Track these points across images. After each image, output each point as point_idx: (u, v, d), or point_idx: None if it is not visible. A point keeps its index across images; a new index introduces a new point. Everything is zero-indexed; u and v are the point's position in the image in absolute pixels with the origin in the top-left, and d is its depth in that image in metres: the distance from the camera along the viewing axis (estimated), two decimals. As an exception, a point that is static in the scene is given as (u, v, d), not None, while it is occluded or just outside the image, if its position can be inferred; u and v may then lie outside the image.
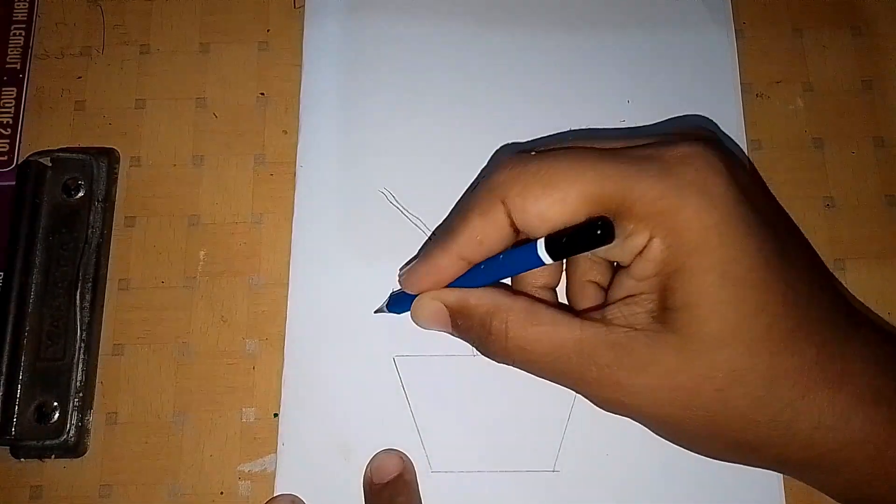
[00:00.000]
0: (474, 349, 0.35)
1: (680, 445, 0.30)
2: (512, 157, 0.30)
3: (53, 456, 0.35)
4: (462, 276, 0.31)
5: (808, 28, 0.40)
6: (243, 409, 0.36)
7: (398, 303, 0.34)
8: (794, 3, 0.40)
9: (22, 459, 0.35)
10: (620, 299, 0.29)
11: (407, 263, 0.35)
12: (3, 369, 0.35)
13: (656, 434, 0.30)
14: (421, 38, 0.40)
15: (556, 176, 0.28)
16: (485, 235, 0.30)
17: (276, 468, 0.35)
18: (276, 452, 0.35)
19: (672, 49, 0.39)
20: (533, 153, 0.30)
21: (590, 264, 0.32)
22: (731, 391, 0.27)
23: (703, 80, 0.39)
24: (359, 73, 0.39)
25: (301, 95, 0.39)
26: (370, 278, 0.36)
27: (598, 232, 0.27)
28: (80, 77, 0.40)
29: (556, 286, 0.33)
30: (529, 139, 0.38)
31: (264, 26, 0.41)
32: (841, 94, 0.39)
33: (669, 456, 0.34)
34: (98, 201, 0.37)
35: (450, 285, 0.31)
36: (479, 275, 0.31)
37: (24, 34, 0.40)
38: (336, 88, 0.39)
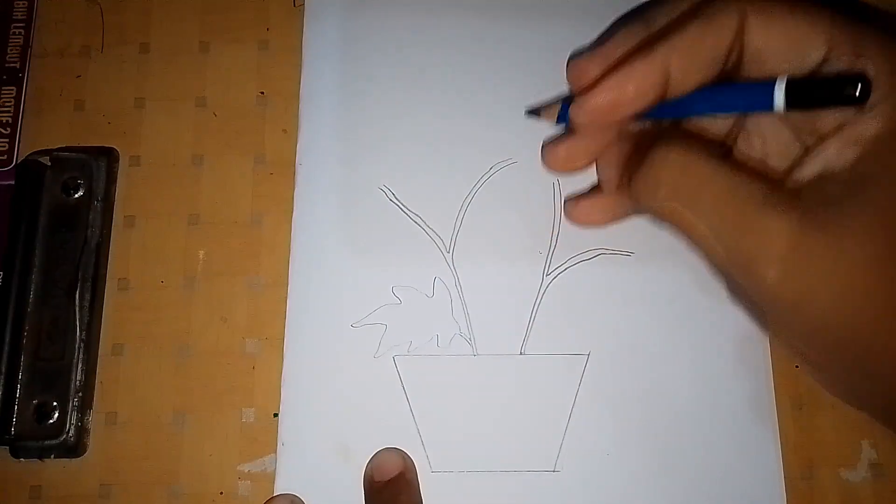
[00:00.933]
0: (475, 349, 0.35)
1: (820, 355, 0.27)
2: None
3: (53, 456, 0.35)
4: (672, 102, 0.27)
5: None
6: (243, 409, 0.36)
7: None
8: None
9: (21, 459, 0.35)
10: (810, 179, 0.26)
11: (579, 52, 0.30)
12: (3, 369, 0.35)
13: (802, 336, 0.27)
14: (421, 36, 0.40)
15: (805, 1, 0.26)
16: (703, 49, 0.26)
17: (275, 468, 0.35)
18: (275, 452, 0.35)
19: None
20: None
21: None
22: None
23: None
24: (359, 71, 0.39)
25: (301, 94, 0.39)
26: (370, 277, 0.36)
27: (857, 89, 0.24)
28: (79, 76, 0.40)
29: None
30: (531, 137, 0.38)
31: (264, 25, 0.40)
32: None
33: (670, 456, 0.34)
34: (97, 201, 0.37)
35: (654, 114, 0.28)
36: (679, 106, 0.27)
37: (23, 33, 0.40)
38: (336, 87, 0.39)
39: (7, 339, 0.35)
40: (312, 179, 0.38)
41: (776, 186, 0.26)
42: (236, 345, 0.36)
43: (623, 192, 0.30)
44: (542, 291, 0.36)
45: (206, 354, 0.36)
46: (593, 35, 0.39)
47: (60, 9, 0.41)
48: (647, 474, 0.34)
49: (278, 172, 0.38)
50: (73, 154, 0.38)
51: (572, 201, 0.35)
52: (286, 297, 0.36)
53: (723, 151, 0.29)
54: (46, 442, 0.35)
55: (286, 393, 0.35)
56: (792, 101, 0.25)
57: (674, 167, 0.26)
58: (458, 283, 0.36)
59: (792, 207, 0.25)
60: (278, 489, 0.34)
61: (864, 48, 0.26)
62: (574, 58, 0.29)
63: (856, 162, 0.26)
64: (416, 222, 0.37)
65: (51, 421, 0.35)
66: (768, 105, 0.25)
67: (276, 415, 0.35)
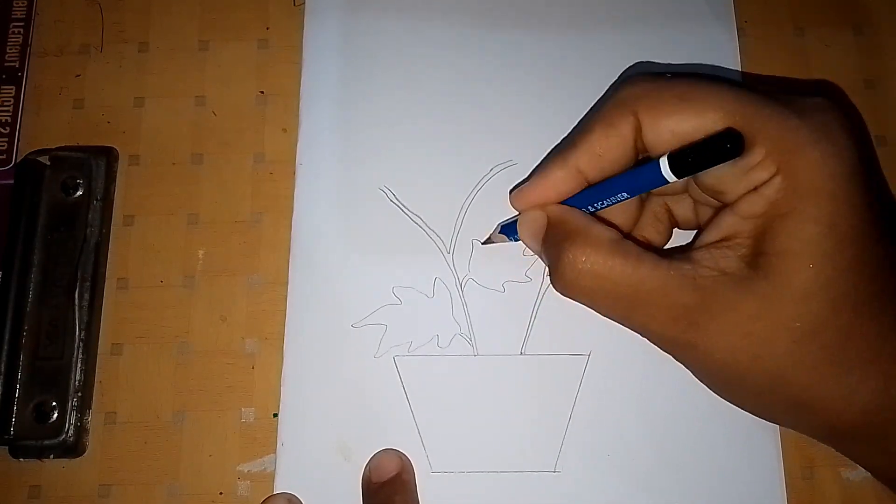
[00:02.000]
0: (475, 349, 0.35)
1: (734, 401, 0.31)
2: (643, 75, 0.30)
3: (52, 456, 0.35)
4: (574, 197, 0.31)
5: (809, 27, 0.40)
6: (243, 409, 0.36)
7: (508, 229, 0.34)
8: (796, 2, 0.40)
9: (20, 459, 0.35)
10: (712, 243, 0.29)
11: (518, 184, 0.34)
12: (2, 369, 0.35)
13: (713, 388, 0.31)
14: (421, 35, 0.39)
15: (693, 92, 0.28)
16: (606, 148, 0.29)
17: (275, 468, 0.34)
18: (275, 452, 0.35)
19: (675, 48, 0.39)
20: (668, 75, 0.30)
21: (660, 208, 0.33)
22: (807, 344, 0.27)
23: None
24: (359, 71, 0.39)
25: (301, 93, 0.39)
26: (371, 277, 0.36)
27: (728, 144, 0.26)
28: (78, 75, 0.40)
29: (630, 230, 0.33)
30: (531, 138, 0.38)
31: (264, 24, 0.40)
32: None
33: (670, 457, 0.34)
34: (97, 200, 0.37)
35: (569, 202, 0.31)
36: (593, 195, 0.30)
37: (22, 32, 0.40)
38: (336, 87, 0.39)
39: (6, 339, 0.35)
40: (313, 179, 0.38)
41: (674, 264, 0.28)
42: (236, 344, 0.36)
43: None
44: (542, 292, 0.36)
45: (205, 354, 0.36)
46: (591, 38, 0.39)
47: (60, 8, 0.41)
48: (648, 475, 0.34)
49: (278, 171, 0.38)
50: (73, 153, 0.38)
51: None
52: (286, 297, 0.36)
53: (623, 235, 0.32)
54: (46, 442, 0.35)
55: (286, 393, 0.35)
56: (680, 168, 0.27)
57: (584, 277, 0.29)
58: (458, 284, 0.36)
59: (687, 287, 0.28)
60: (278, 489, 0.34)
61: (755, 130, 0.27)
62: (514, 189, 0.33)
63: (750, 235, 0.28)
64: (416, 223, 0.37)
65: (50, 421, 0.35)
66: (662, 179, 0.28)
67: (275, 415, 0.35)
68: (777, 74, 0.39)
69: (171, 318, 0.37)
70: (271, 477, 0.34)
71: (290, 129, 0.39)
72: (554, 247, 0.30)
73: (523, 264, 0.36)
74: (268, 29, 0.40)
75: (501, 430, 0.35)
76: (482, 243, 0.36)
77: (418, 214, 0.37)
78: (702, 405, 0.35)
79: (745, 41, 0.39)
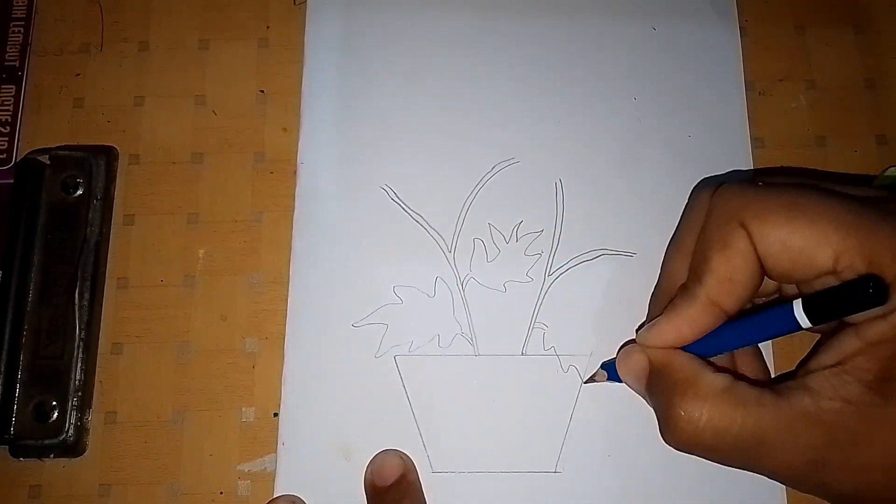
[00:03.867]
0: (476, 349, 0.35)
1: None
2: (735, 183, 0.28)
3: (52, 455, 0.35)
4: (704, 339, 0.29)
5: (810, 25, 0.40)
6: (243, 409, 0.36)
7: (611, 368, 0.33)
8: (797, 1, 0.40)
9: (21, 459, 0.35)
10: (828, 366, 0.27)
11: (643, 324, 0.32)
12: (2, 368, 0.35)
13: None
14: (422, 34, 0.39)
15: (801, 200, 0.26)
16: (733, 270, 0.27)
17: (275, 468, 0.34)
18: (275, 452, 0.35)
19: (677, 45, 0.39)
20: (759, 183, 0.28)
21: None
22: None
23: (708, 78, 0.39)
24: (360, 70, 0.39)
25: (302, 92, 0.39)
26: (371, 276, 0.36)
27: (871, 291, 0.24)
28: (78, 74, 0.40)
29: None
30: (532, 137, 0.38)
31: (264, 23, 0.40)
32: (843, 91, 0.39)
33: (670, 457, 0.34)
34: (97, 199, 0.37)
35: (690, 349, 0.29)
36: (724, 340, 0.28)
37: (22, 31, 0.40)
38: (337, 85, 0.39)
39: (6, 339, 0.35)
40: (314, 178, 0.38)
41: (793, 397, 0.26)
42: (236, 344, 0.36)
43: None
44: (543, 292, 0.36)
45: (205, 353, 0.36)
46: (594, 36, 0.39)
47: (60, 7, 0.41)
48: (648, 475, 0.34)
49: (278, 171, 0.38)
50: (73, 152, 0.38)
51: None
52: (286, 296, 0.36)
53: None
54: (46, 441, 0.34)
55: (286, 392, 0.35)
56: (816, 315, 0.25)
57: (705, 433, 0.27)
58: (459, 283, 0.36)
59: (813, 426, 0.26)
60: (278, 489, 0.34)
61: (875, 253, 0.25)
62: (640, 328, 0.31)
63: (875, 359, 0.26)
64: (417, 222, 0.37)
65: (50, 420, 0.35)
66: (796, 325, 0.26)
67: (276, 414, 0.35)
68: (778, 73, 0.39)
69: (171, 317, 0.37)
70: (272, 476, 0.34)
71: (290, 128, 0.39)
72: (663, 396, 0.28)
73: (525, 264, 0.36)
74: (268, 28, 0.40)
75: (502, 430, 0.35)
76: (584, 382, 0.35)
77: (419, 213, 0.37)
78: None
79: (746, 40, 0.39)
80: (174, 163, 0.39)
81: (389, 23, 0.40)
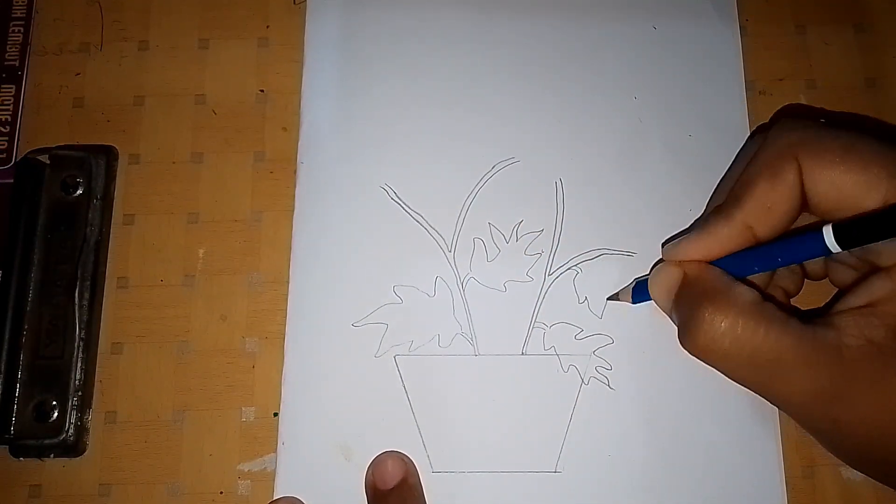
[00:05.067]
0: (476, 349, 0.35)
1: (871, 474, 0.29)
2: (797, 119, 0.28)
3: (52, 455, 0.35)
4: (724, 259, 0.29)
5: (811, 25, 0.40)
6: (243, 408, 0.36)
7: (640, 287, 0.33)
8: (797, 0, 0.40)
9: (21, 458, 0.35)
10: (857, 307, 0.27)
11: (671, 238, 0.32)
12: (2, 368, 0.35)
13: (847, 460, 0.29)
14: (422, 33, 0.39)
15: (857, 146, 0.26)
16: (775, 200, 0.27)
17: (275, 468, 0.34)
18: (275, 452, 0.35)
19: (677, 44, 0.39)
20: (822, 121, 0.29)
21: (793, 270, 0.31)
22: None
23: (708, 78, 0.39)
24: (360, 69, 0.39)
25: (302, 92, 0.39)
26: (371, 276, 0.36)
27: None
28: (78, 74, 0.40)
29: (768, 284, 0.32)
30: (532, 136, 0.38)
31: (264, 22, 0.40)
32: (844, 91, 0.39)
33: (670, 457, 0.34)
34: (97, 199, 0.37)
35: (719, 265, 0.29)
36: (750, 260, 0.29)
37: (22, 31, 0.40)
38: (337, 85, 0.39)
39: (6, 338, 0.35)
40: (314, 178, 0.38)
41: (818, 329, 0.27)
42: (236, 343, 0.36)
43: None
44: (543, 291, 0.36)
45: (205, 353, 0.36)
46: (594, 35, 0.39)
47: (59, 6, 0.41)
48: (649, 475, 0.34)
49: (278, 170, 0.38)
50: (73, 152, 0.38)
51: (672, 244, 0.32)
52: (286, 296, 0.36)
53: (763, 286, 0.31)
54: (46, 441, 0.34)
55: (286, 392, 0.35)
56: (847, 240, 0.25)
57: (725, 340, 0.27)
58: (459, 283, 0.36)
59: (834, 358, 0.26)
60: (278, 489, 0.34)
61: None
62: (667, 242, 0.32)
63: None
64: (417, 221, 0.37)
65: (50, 420, 0.35)
66: (825, 249, 0.26)
67: (276, 414, 0.35)
68: (778, 73, 0.39)
69: (171, 317, 0.37)
70: (272, 476, 0.34)
71: (290, 127, 0.39)
72: (688, 304, 0.28)
73: (525, 264, 0.36)
74: (268, 27, 0.40)
75: (502, 430, 0.35)
76: (607, 299, 0.35)
77: (420, 213, 0.37)
78: (702, 405, 0.35)
79: (746, 39, 0.39)
80: (174, 162, 0.39)
81: (389, 22, 0.40)
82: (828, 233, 0.26)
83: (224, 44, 0.40)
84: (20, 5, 0.40)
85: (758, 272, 0.29)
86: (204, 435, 0.35)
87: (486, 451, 0.34)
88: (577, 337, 0.35)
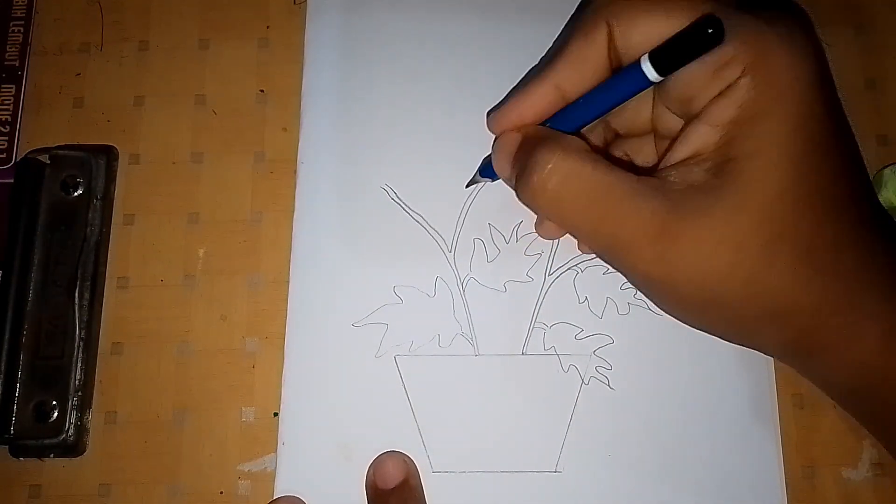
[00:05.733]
0: (476, 349, 0.35)
1: (705, 323, 0.30)
2: None
3: (52, 455, 0.35)
4: (552, 118, 0.30)
5: (811, 25, 0.40)
6: (243, 409, 0.36)
7: (489, 167, 0.33)
8: (797, 1, 0.40)
9: (21, 458, 0.35)
10: (679, 161, 0.28)
11: (495, 107, 0.33)
12: (2, 368, 0.35)
13: (684, 313, 0.30)
14: (422, 34, 0.39)
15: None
16: (583, 60, 0.29)
17: (276, 468, 0.34)
18: (275, 452, 0.35)
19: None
20: None
21: (622, 154, 0.32)
22: (778, 246, 0.27)
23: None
24: (360, 69, 0.39)
25: (302, 92, 0.39)
26: (372, 277, 0.36)
27: (710, 31, 0.25)
28: (78, 74, 0.40)
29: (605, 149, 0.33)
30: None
31: (264, 23, 0.40)
32: (844, 91, 0.38)
33: (670, 457, 0.34)
34: (97, 199, 0.37)
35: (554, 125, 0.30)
36: (572, 113, 0.30)
37: (22, 30, 0.40)
38: (337, 85, 0.39)
39: (6, 338, 0.35)
40: (314, 178, 0.38)
41: (643, 178, 0.28)
42: (236, 343, 0.36)
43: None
44: (543, 291, 0.36)
45: (205, 353, 0.36)
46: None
47: (60, 6, 0.41)
48: (649, 475, 0.34)
49: (278, 170, 0.38)
50: (73, 152, 0.38)
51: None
52: (286, 296, 0.36)
53: (599, 152, 0.31)
54: (46, 441, 0.34)
55: (286, 392, 0.35)
56: (663, 65, 0.26)
57: (553, 177, 0.28)
58: (459, 283, 0.36)
59: (657, 195, 0.27)
60: (278, 489, 0.34)
61: (730, 21, 0.26)
62: (491, 111, 0.32)
63: (718, 145, 0.27)
64: (417, 222, 0.37)
65: (50, 420, 0.35)
66: (646, 81, 0.27)
67: (276, 414, 0.35)
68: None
69: (171, 317, 0.37)
70: (272, 476, 0.34)
71: (290, 127, 0.39)
72: (523, 158, 0.29)
73: (525, 264, 0.36)
74: (268, 28, 0.40)
75: (502, 430, 0.35)
76: (466, 185, 0.36)
77: (420, 213, 0.37)
78: (702, 405, 0.35)
79: (746, 40, 0.39)
80: (174, 163, 0.39)
81: (390, 22, 0.40)
82: (645, 62, 0.27)
83: (224, 44, 0.40)
84: (20, 5, 0.40)
85: (591, 121, 0.30)
86: (204, 435, 0.35)
87: (486, 451, 0.34)
88: (577, 337, 0.35)
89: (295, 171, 0.38)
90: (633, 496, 0.34)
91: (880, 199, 0.36)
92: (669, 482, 0.34)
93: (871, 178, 0.37)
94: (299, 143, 0.38)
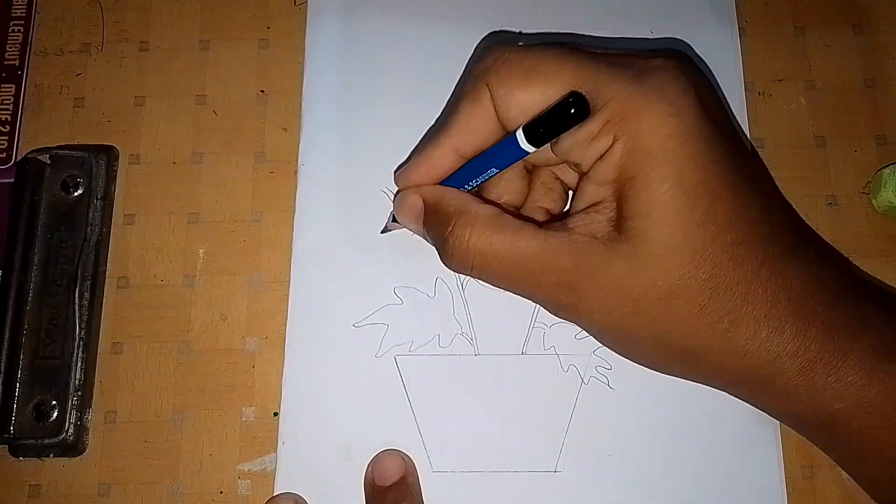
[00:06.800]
0: (476, 349, 0.35)
1: (628, 356, 0.32)
2: (499, 45, 0.31)
3: (52, 455, 0.35)
4: (451, 177, 0.32)
5: (810, 26, 0.40)
6: (243, 408, 0.36)
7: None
8: (796, 2, 0.40)
9: (20, 458, 0.35)
10: (583, 209, 0.30)
11: (401, 165, 0.35)
12: (2, 367, 0.35)
13: (606, 345, 0.32)
14: (422, 35, 0.39)
15: (539, 66, 0.29)
16: (474, 124, 0.30)
17: (276, 467, 0.34)
18: (276, 452, 0.35)
19: (676, 47, 0.39)
20: (520, 43, 0.31)
21: (548, 177, 0.33)
22: (674, 300, 0.28)
23: (708, 79, 0.39)
24: (360, 70, 0.39)
25: (303, 93, 0.39)
26: (372, 277, 0.36)
27: (573, 110, 0.27)
28: (79, 74, 0.40)
29: (523, 202, 0.34)
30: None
31: (264, 23, 0.40)
32: (843, 92, 0.39)
33: (670, 457, 0.34)
34: (97, 199, 0.37)
35: (450, 184, 0.32)
36: (466, 174, 0.31)
37: (22, 31, 0.40)
38: (338, 86, 0.39)
39: (6, 338, 0.35)
40: (315, 179, 0.38)
41: (550, 233, 0.29)
42: (236, 343, 0.36)
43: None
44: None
45: (206, 353, 0.36)
46: (593, 39, 0.39)
47: (60, 6, 0.41)
48: (649, 474, 0.34)
49: (278, 171, 0.38)
50: (73, 152, 0.38)
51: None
52: (287, 296, 0.36)
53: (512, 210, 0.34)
54: (45, 441, 0.34)
55: (287, 392, 0.35)
56: (535, 138, 0.28)
57: (471, 255, 0.30)
58: (459, 283, 0.36)
59: (562, 252, 0.29)
60: (278, 488, 0.34)
61: (597, 98, 0.28)
62: (397, 170, 0.34)
63: (614, 197, 0.29)
64: (417, 221, 0.37)
65: (50, 419, 0.35)
66: (522, 151, 0.28)
67: (276, 414, 0.35)
68: (778, 74, 0.39)
69: (171, 317, 0.37)
70: (272, 476, 0.34)
71: (290, 128, 0.39)
72: (436, 228, 0.31)
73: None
74: (268, 28, 0.40)
75: (502, 430, 0.35)
76: (381, 232, 0.36)
77: (419, 214, 0.37)
78: (702, 405, 0.35)
79: (745, 41, 0.39)
80: (174, 162, 0.39)
81: (390, 23, 0.40)
82: (520, 134, 0.28)
83: (225, 45, 0.40)
84: (20, 5, 0.40)
85: (480, 182, 0.31)
86: (204, 435, 0.35)
87: (486, 451, 0.34)
88: (576, 337, 0.35)
89: (295, 172, 0.38)
90: (632, 496, 0.34)
91: (880, 199, 0.36)
92: (669, 482, 0.34)
93: (870, 178, 0.37)
94: (300, 144, 0.38)
